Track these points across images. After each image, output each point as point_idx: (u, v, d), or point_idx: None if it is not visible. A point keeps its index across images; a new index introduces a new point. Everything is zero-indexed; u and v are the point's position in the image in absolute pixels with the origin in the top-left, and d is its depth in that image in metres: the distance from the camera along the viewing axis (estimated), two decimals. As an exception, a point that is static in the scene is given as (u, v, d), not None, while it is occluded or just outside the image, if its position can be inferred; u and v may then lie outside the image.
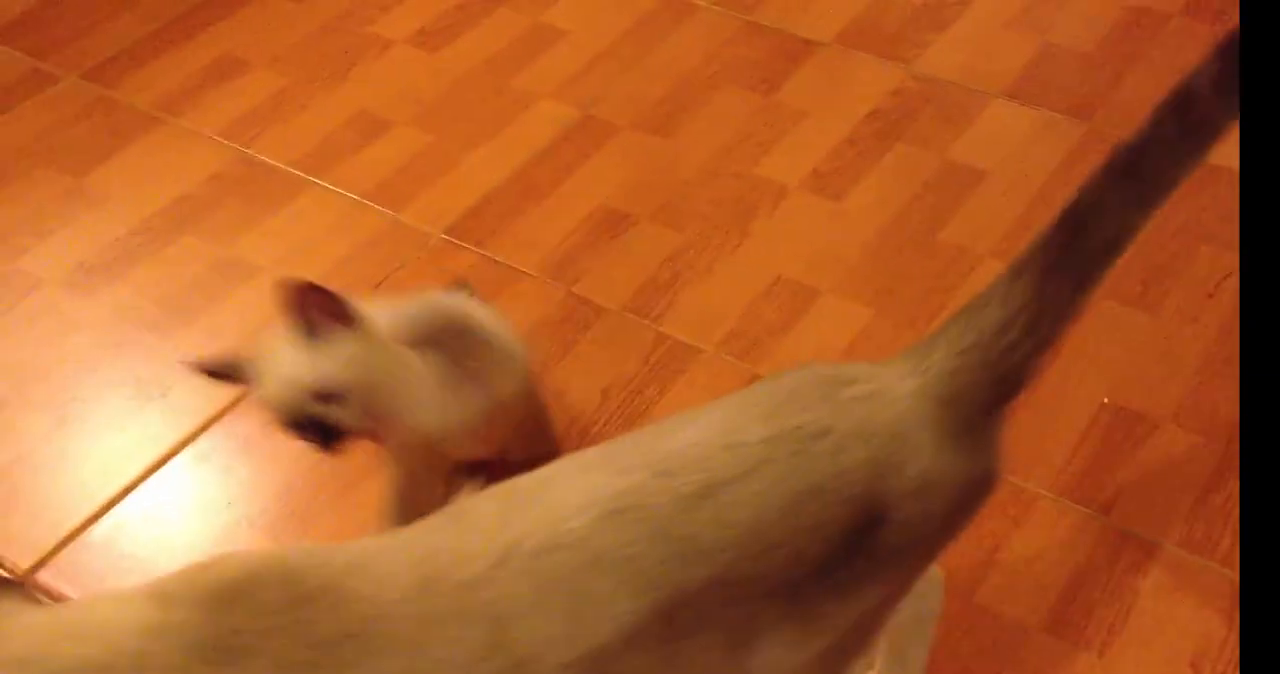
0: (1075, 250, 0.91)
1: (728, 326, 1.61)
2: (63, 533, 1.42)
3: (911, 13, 2.08)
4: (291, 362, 1.14)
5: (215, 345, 1.60)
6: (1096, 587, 1.33)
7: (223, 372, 1.19)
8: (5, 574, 1.11)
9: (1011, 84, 1.94)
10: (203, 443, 1.50)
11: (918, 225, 1.73)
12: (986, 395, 0.93)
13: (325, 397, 1.15)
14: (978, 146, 1.84)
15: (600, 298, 1.65)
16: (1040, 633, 1.29)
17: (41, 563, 1.39)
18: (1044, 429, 1.47)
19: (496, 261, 1.70)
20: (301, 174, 1.84)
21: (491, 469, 1.40)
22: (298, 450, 1.48)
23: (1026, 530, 1.38)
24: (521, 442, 1.39)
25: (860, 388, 0.92)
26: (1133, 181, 0.90)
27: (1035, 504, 1.40)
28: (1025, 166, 1.81)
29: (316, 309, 1.14)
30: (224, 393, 1.55)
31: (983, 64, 1.98)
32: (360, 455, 1.47)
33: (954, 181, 1.79)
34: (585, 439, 1.49)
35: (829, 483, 0.87)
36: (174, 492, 1.46)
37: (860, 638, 0.97)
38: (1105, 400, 1.50)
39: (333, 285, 1.65)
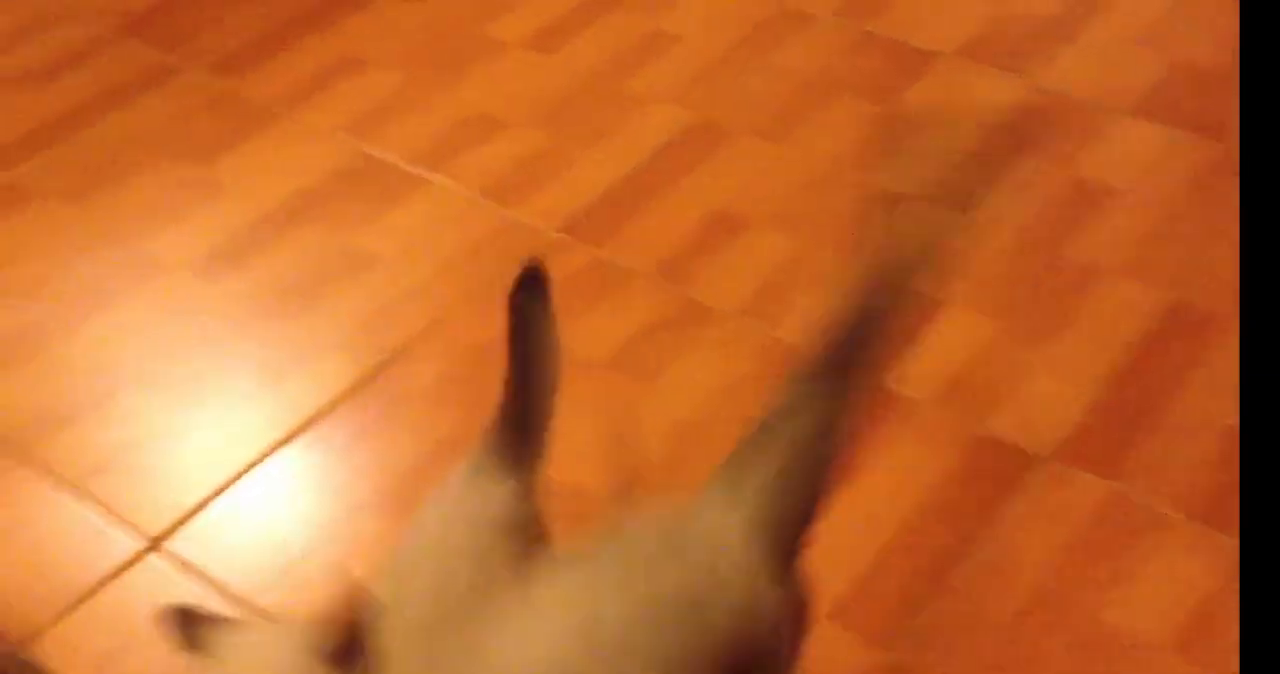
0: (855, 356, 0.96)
1: (843, 334, 1.61)
2: (188, 505, 1.47)
3: (1036, 26, 2.08)
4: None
5: (331, 333, 1.64)
6: (1227, 609, 1.31)
7: (191, 627, 0.96)
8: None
9: (1139, 100, 1.93)
10: (320, 428, 1.54)
11: (1042, 240, 1.72)
12: (803, 518, 0.92)
13: None
14: (1104, 163, 1.83)
15: (714, 301, 1.66)
16: (1169, 652, 1.27)
17: (169, 532, 1.44)
18: (1172, 450, 1.46)
19: (609, 262, 1.72)
20: (418, 171, 1.88)
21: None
22: (412, 439, 1.52)
23: (1155, 550, 1.36)
24: None
25: (699, 540, 0.89)
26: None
27: (1163, 525, 1.38)
28: (1153, 185, 1.79)
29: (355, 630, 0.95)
30: (340, 381, 1.59)
31: (1110, 80, 1.97)
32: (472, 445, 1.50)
33: (1079, 198, 1.78)
34: (699, 442, 1.50)
35: (704, 649, 0.85)
36: (290, 473, 1.50)
37: None
38: (1233, 422, 1.48)
39: (446, 285, 1.70)
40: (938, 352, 1.59)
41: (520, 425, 1.13)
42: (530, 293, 1.12)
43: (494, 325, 1.65)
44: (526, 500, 1.11)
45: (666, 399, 1.55)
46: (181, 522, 1.46)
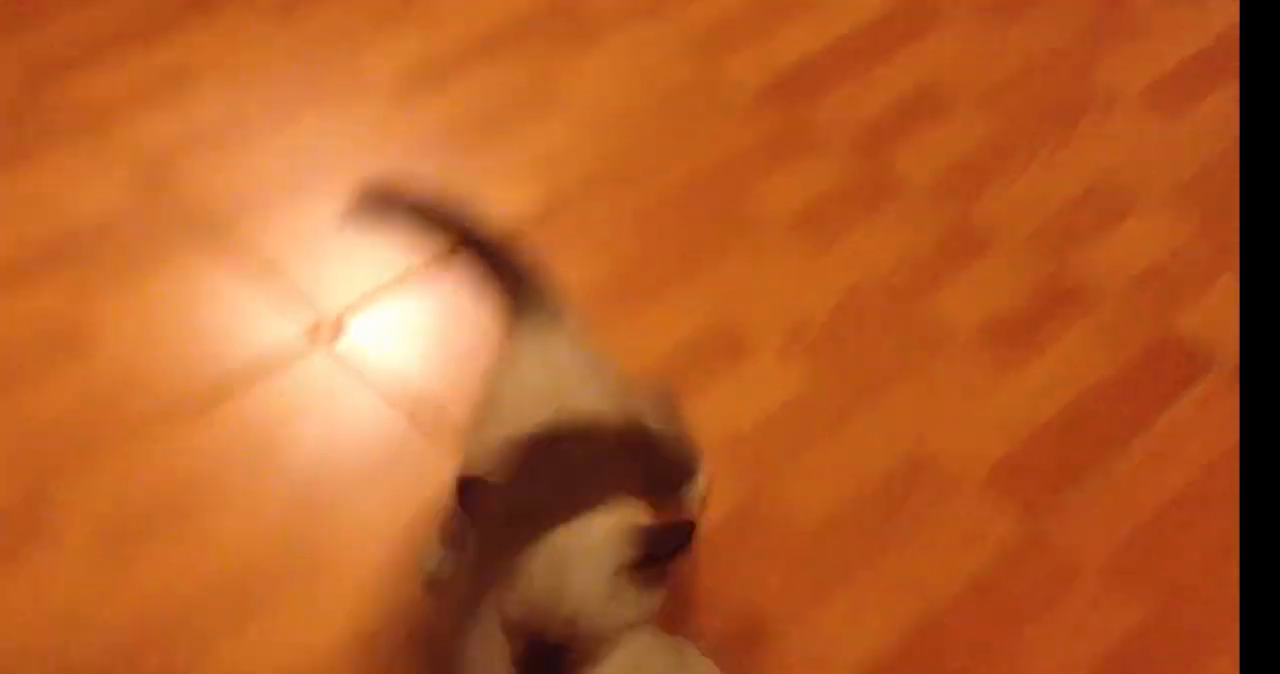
0: None
1: (1033, 224, 1.66)
2: (359, 301, 1.60)
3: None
4: (598, 585, 0.96)
5: (519, 162, 1.75)
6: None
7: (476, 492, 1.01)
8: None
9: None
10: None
11: (1257, 155, 1.73)
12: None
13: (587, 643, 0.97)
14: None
15: (905, 175, 1.72)
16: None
17: (340, 325, 1.58)
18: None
19: (804, 125, 1.79)
20: (624, 14, 1.96)
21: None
22: (587, 265, 1.62)
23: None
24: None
25: None
26: None
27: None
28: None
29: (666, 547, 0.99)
30: (522, 207, 1.70)
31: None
32: (666, 261, 1.59)
33: (1305, 117, 1.78)
34: (869, 304, 1.57)
35: None
36: (464, 286, 1.61)
37: None
38: None
39: (634, 131, 1.79)
40: (1130, 247, 1.62)
41: (518, 281, 1.23)
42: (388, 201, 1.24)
43: (680, 171, 1.73)
44: (581, 334, 1.21)
45: (839, 266, 1.63)
46: (352, 315, 1.60)
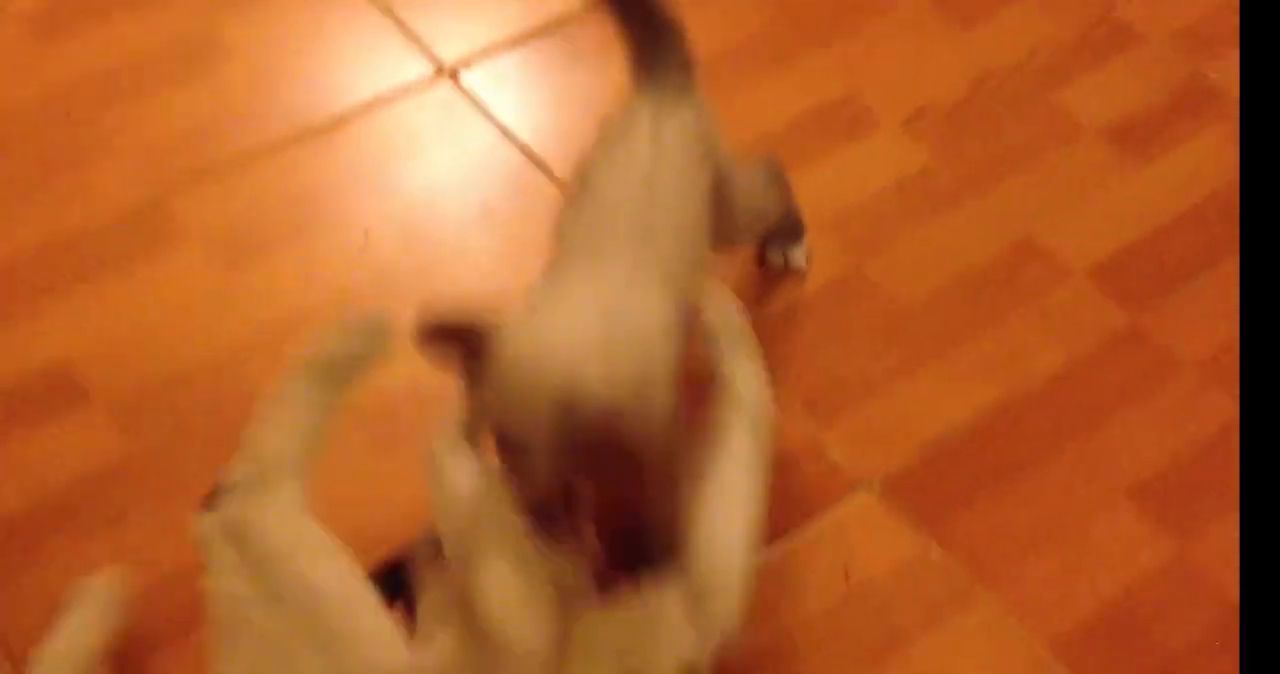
0: None
1: (1179, 23, 1.63)
2: (488, 44, 1.63)
3: None
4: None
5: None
6: None
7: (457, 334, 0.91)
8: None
9: None
10: None
11: None
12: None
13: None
14: None
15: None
16: None
17: (464, 65, 1.61)
18: None
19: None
20: None
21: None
22: (717, 30, 1.62)
23: None
24: None
25: None
26: None
27: None
28: None
29: None
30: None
31: None
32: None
33: None
34: (999, 90, 1.56)
35: None
36: (588, 42, 1.62)
37: None
38: None
39: None
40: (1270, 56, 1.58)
41: (653, 37, 1.16)
42: None
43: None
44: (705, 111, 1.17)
45: (974, 49, 1.61)
46: (479, 58, 1.63)
